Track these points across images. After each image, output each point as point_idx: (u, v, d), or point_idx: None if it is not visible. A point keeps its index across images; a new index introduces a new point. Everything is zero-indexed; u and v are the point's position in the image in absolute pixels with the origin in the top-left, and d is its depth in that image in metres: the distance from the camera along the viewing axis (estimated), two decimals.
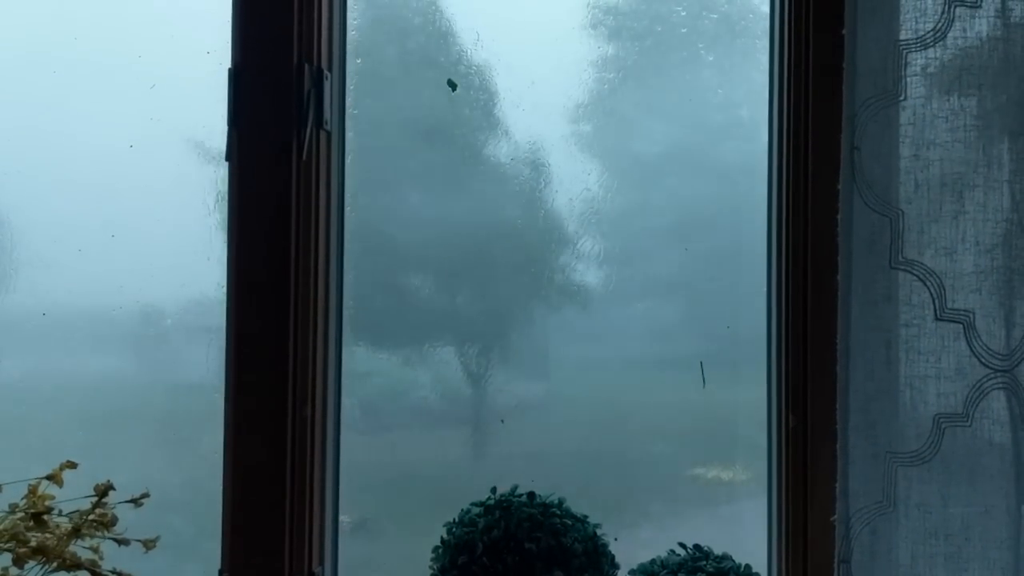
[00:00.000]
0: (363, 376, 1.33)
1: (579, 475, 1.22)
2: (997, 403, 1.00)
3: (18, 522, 1.06)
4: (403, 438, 1.36)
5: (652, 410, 1.37)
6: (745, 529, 1.20)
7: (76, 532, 1.09)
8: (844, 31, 1.01)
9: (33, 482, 1.12)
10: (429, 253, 1.38)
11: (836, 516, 1.01)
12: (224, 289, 1.21)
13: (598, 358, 1.37)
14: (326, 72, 1.23)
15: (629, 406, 1.36)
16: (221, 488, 1.20)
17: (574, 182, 1.35)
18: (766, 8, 1.25)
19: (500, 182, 1.35)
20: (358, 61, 1.31)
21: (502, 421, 1.34)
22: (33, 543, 1.05)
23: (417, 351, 1.38)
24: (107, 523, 1.07)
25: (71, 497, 1.12)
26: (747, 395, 1.30)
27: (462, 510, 1.14)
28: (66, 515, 1.09)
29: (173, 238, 1.32)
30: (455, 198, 1.37)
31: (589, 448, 1.35)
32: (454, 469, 1.37)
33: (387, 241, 1.36)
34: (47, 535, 1.06)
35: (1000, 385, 1.00)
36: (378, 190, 1.34)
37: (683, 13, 1.37)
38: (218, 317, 1.21)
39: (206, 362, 1.28)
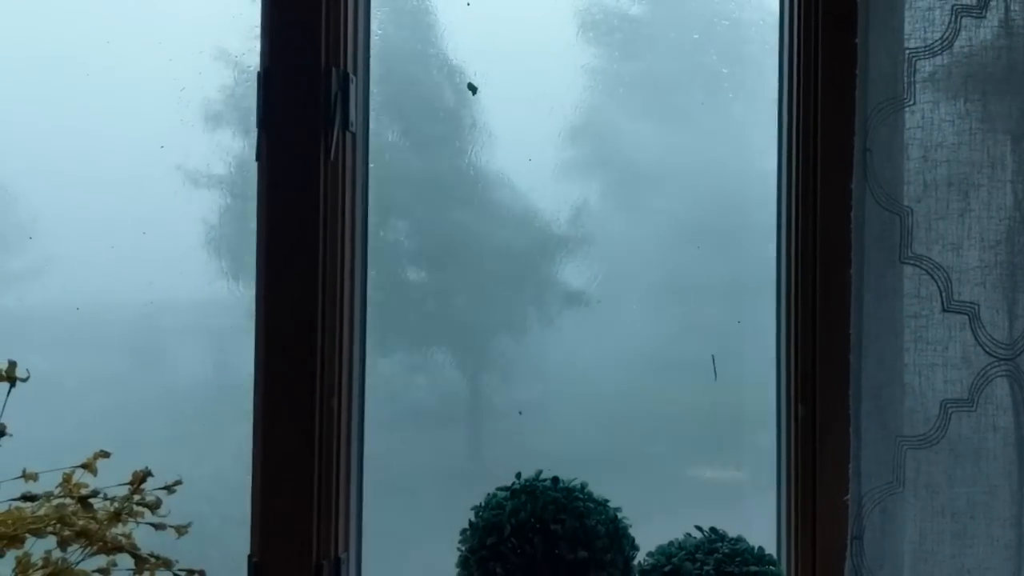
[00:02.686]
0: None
1: (582, 475, 1.24)
2: (1001, 390, 1.06)
3: (64, 505, 1.09)
4: (401, 439, 1.38)
5: (654, 411, 1.39)
6: (750, 527, 1.23)
7: (117, 516, 1.12)
8: (856, 40, 1.06)
9: (68, 471, 1.15)
10: (429, 257, 1.40)
11: (849, 496, 1.06)
12: (254, 285, 1.24)
13: (601, 359, 1.39)
14: (352, 75, 1.26)
15: (631, 407, 1.38)
16: (245, 479, 1.22)
17: (581, 183, 1.38)
18: (776, 16, 1.30)
19: (500, 185, 1.37)
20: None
21: (520, 413, 1.37)
22: (78, 527, 1.08)
23: (416, 354, 1.40)
24: (150, 505, 1.11)
25: (102, 487, 1.15)
26: (751, 396, 1.34)
27: (488, 495, 1.18)
28: (109, 499, 1.12)
29: (203, 236, 1.35)
30: (454, 202, 1.40)
31: (591, 448, 1.37)
32: (454, 469, 1.39)
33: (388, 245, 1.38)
34: (91, 519, 1.10)
35: (1004, 373, 1.06)
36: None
37: (694, 17, 1.41)
38: (248, 313, 1.24)
39: (236, 356, 1.30)
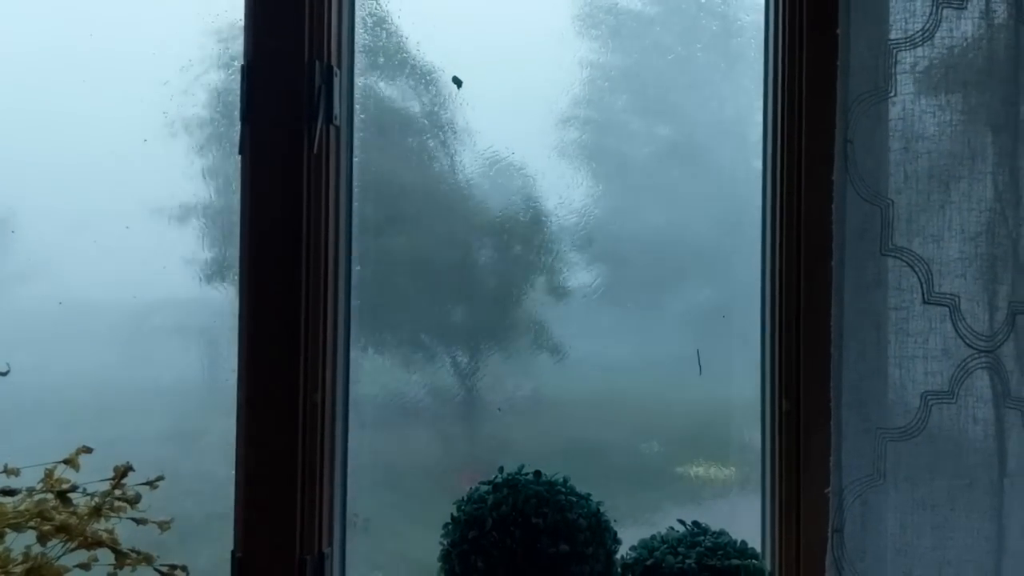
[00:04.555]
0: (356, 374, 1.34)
1: (570, 472, 1.24)
2: (980, 381, 1.06)
3: (44, 500, 1.09)
4: (392, 436, 1.38)
5: (643, 408, 1.39)
6: (735, 523, 1.23)
7: (97, 511, 1.12)
8: (838, 31, 1.06)
9: (50, 466, 1.14)
10: (421, 254, 1.40)
11: (830, 488, 1.06)
12: (237, 280, 1.24)
13: (591, 355, 1.39)
14: (336, 69, 1.26)
15: (621, 404, 1.39)
16: (228, 475, 1.22)
17: (570, 181, 1.38)
18: (761, 10, 1.30)
19: (491, 183, 1.37)
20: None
21: (499, 409, 1.37)
22: (57, 521, 1.08)
23: (408, 351, 1.40)
24: (130, 500, 1.10)
25: (85, 482, 1.15)
26: (738, 391, 1.34)
27: (470, 488, 1.18)
28: (89, 494, 1.12)
29: (187, 231, 1.35)
30: (445, 199, 1.40)
31: (579, 446, 1.37)
32: (444, 466, 1.39)
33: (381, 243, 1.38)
34: (71, 514, 1.09)
35: (983, 365, 1.06)
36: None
37: (680, 13, 1.41)
38: (232, 308, 1.24)
39: (220, 351, 1.30)
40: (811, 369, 1.19)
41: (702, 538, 1.15)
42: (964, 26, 1.05)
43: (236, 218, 1.24)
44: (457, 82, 1.35)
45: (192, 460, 1.34)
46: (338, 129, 1.28)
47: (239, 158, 1.24)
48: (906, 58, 1.05)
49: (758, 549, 1.21)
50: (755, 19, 1.33)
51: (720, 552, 1.13)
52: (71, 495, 1.12)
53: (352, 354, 1.32)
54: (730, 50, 1.38)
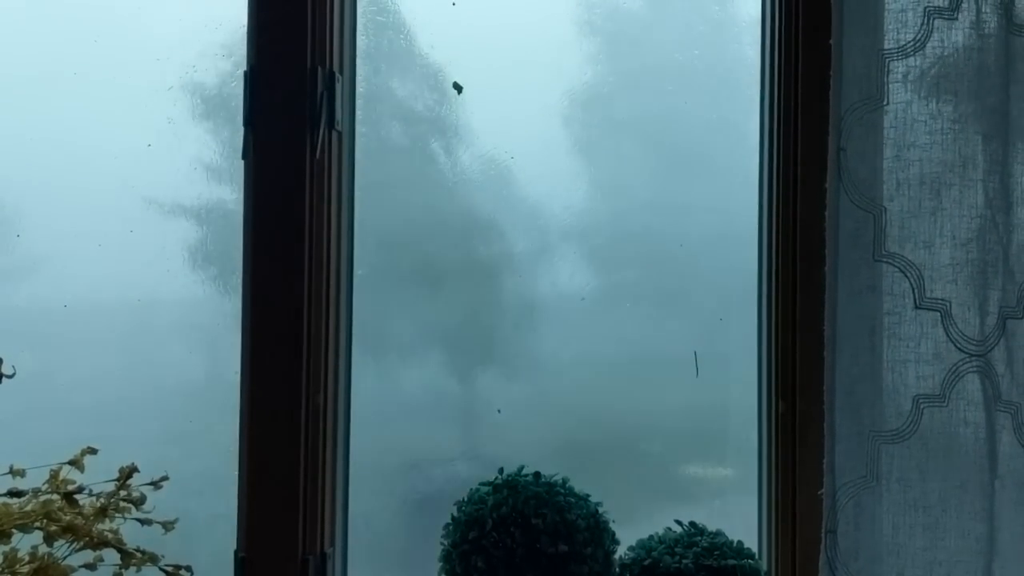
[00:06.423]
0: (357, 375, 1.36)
1: (569, 473, 1.25)
2: (972, 385, 1.08)
3: (51, 501, 1.10)
4: (389, 437, 1.39)
5: (641, 409, 1.40)
6: (732, 524, 1.25)
7: (103, 512, 1.13)
8: (831, 41, 1.08)
9: (55, 467, 1.16)
10: (416, 255, 1.41)
11: (823, 490, 1.07)
12: (241, 282, 1.25)
13: (588, 356, 1.40)
14: (337, 75, 1.28)
15: (619, 405, 1.40)
16: (232, 475, 1.23)
17: (569, 184, 1.39)
18: (757, 17, 1.31)
19: (491, 184, 1.38)
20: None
21: (499, 411, 1.38)
22: (64, 522, 1.10)
23: (409, 352, 1.41)
24: (135, 500, 1.12)
25: (89, 483, 1.16)
26: (737, 393, 1.35)
27: (471, 489, 1.19)
28: (95, 495, 1.13)
29: (190, 234, 1.36)
30: (445, 200, 1.41)
31: (577, 447, 1.38)
32: (440, 468, 1.40)
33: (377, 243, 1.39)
34: (77, 514, 1.11)
35: (974, 369, 1.07)
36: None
37: (679, 18, 1.42)
38: (235, 310, 1.25)
39: (224, 354, 1.31)
40: (806, 372, 1.21)
41: (699, 538, 1.17)
42: (955, 36, 1.07)
43: (240, 220, 1.25)
44: (458, 88, 1.37)
45: (195, 460, 1.35)
46: (340, 134, 1.29)
47: (243, 162, 1.25)
48: (898, 67, 1.07)
49: (754, 549, 1.23)
50: (753, 25, 1.34)
51: (717, 552, 1.15)
52: (77, 496, 1.13)
53: (354, 356, 1.33)
54: (727, 55, 1.40)
